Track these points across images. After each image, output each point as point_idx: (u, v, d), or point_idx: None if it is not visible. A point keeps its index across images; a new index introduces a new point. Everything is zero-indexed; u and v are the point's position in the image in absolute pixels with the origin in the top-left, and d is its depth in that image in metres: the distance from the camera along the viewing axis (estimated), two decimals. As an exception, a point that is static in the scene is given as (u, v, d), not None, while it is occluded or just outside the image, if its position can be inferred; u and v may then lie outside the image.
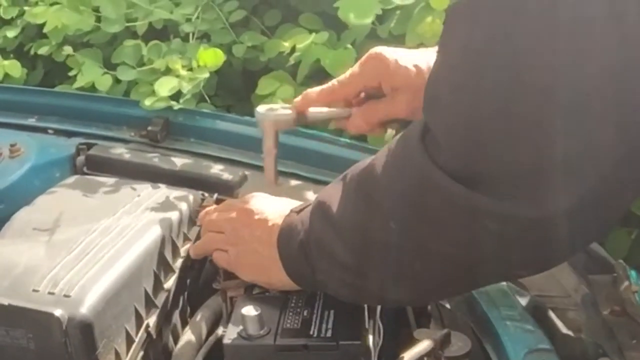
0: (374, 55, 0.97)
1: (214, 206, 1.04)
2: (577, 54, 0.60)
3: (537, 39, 0.60)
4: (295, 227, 0.83)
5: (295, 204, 0.90)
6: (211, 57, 1.53)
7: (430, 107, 0.69)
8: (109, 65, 1.70)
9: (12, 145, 1.24)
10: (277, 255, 0.85)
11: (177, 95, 1.45)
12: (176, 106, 1.40)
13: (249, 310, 0.82)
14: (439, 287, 0.76)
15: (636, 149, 0.62)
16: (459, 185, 0.65)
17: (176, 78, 1.48)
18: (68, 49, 1.70)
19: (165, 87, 1.44)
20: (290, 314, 0.85)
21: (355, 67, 0.99)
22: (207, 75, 1.52)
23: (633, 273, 0.94)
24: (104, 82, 1.67)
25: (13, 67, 1.86)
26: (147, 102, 1.39)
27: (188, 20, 1.78)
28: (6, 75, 1.86)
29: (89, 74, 1.67)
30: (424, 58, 0.95)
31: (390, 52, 0.96)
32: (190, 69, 1.52)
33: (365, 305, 0.86)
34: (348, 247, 0.77)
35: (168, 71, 1.54)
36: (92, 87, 1.67)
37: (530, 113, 0.61)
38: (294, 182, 1.22)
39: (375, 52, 0.97)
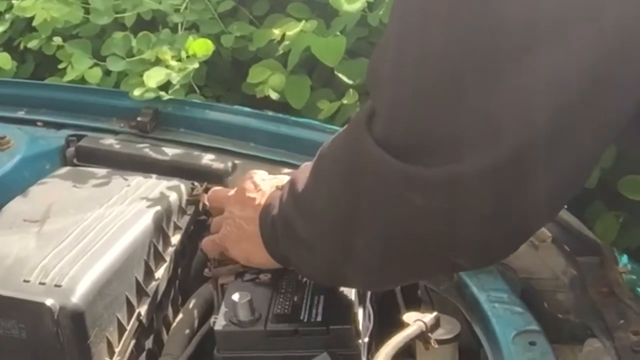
0: None
1: (220, 188, 1.06)
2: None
3: (462, 15, 0.60)
4: (274, 203, 0.85)
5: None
6: (201, 47, 1.53)
7: (371, 82, 0.70)
8: (99, 59, 1.70)
9: (1, 138, 1.24)
10: (258, 232, 0.86)
11: (166, 86, 1.44)
12: (165, 97, 1.39)
13: (240, 297, 0.82)
14: (384, 270, 0.75)
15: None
16: (389, 156, 0.65)
17: (165, 69, 1.48)
18: (58, 39, 1.69)
19: (154, 78, 1.43)
20: (281, 299, 0.85)
21: None
22: (197, 65, 1.51)
23: (624, 258, 0.94)
24: (93, 75, 1.66)
25: (3, 60, 1.85)
26: (136, 93, 1.38)
27: (177, 10, 1.77)
28: (-3, 67, 1.85)
29: (79, 65, 1.67)
30: None
31: None
32: (180, 59, 1.52)
33: (355, 290, 0.86)
34: (304, 221, 0.78)
35: (158, 62, 1.53)
36: (82, 80, 1.66)
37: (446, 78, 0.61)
38: (285, 171, 1.22)
39: None
